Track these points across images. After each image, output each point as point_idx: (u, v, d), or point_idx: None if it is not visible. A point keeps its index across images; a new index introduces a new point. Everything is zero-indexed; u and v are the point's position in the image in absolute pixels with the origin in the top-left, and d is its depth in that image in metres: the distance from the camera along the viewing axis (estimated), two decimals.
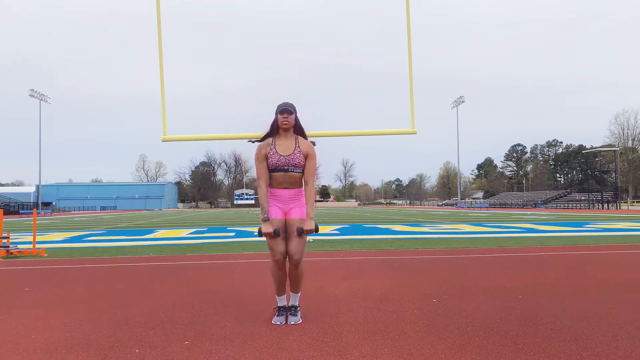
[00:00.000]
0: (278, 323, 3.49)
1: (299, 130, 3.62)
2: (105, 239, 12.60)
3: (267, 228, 3.41)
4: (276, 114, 3.54)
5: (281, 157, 3.47)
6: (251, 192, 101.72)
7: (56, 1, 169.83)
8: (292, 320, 3.52)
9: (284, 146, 3.51)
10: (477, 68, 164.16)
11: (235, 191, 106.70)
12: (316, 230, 3.48)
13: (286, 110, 3.50)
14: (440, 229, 14.95)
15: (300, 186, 3.58)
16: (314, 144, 3.67)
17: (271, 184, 3.55)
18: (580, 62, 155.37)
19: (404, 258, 7.35)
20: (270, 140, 3.56)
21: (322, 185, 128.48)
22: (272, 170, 3.51)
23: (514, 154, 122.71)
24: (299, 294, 3.67)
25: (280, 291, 3.60)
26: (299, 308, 3.63)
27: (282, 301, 3.61)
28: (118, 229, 17.60)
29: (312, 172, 3.58)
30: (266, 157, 3.51)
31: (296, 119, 3.58)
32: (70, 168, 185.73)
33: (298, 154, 3.50)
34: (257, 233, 3.52)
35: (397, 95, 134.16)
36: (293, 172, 3.49)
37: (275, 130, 3.58)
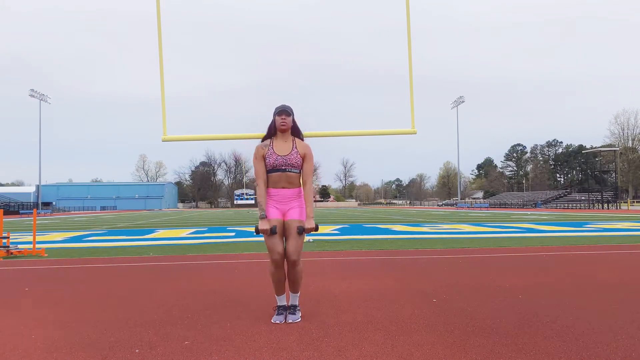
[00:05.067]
0: (277, 322, 3.51)
1: (296, 132, 3.69)
2: (105, 239, 12.60)
3: (264, 225, 3.45)
4: (274, 116, 3.62)
5: (278, 157, 3.53)
6: (251, 192, 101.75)
7: (56, 0, 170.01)
8: (291, 318, 3.54)
9: (282, 147, 3.58)
10: (477, 68, 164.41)
11: (235, 191, 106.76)
12: (316, 229, 3.52)
13: (284, 112, 3.58)
14: (440, 229, 14.95)
15: (299, 186, 3.62)
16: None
17: (269, 185, 3.60)
18: (580, 62, 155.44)
19: (404, 258, 7.36)
20: (268, 141, 3.64)
21: (322, 185, 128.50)
22: (269, 170, 3.57)
23: (514, 154, 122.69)
24: (298, 294, 3.69)
25: (279, 291, 3.62)
26: (298, 307, 3.66)
27: (281, 301, 3.63)
28: (118, 229, 17.60)
29: (310, 172, 3.66)
30: (264, 158, 3.57)
31: (293, 121, 3.65)
32: (70, 168, 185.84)
33: (295, 155, 3.56)
34: (254, 231, 3.55)
35: (397, 95, 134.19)
36: (290, 172, 3.55)
37: (273, 132, 3.65)
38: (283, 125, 3.56)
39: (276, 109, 3.61)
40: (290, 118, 3.60)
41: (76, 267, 6.94)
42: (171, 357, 2.75)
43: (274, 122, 3.62)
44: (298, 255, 3.53)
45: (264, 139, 3.69)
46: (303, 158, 3.60)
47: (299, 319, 3.55)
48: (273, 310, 3.69)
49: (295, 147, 3.59)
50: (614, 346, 2.85)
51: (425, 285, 4.88)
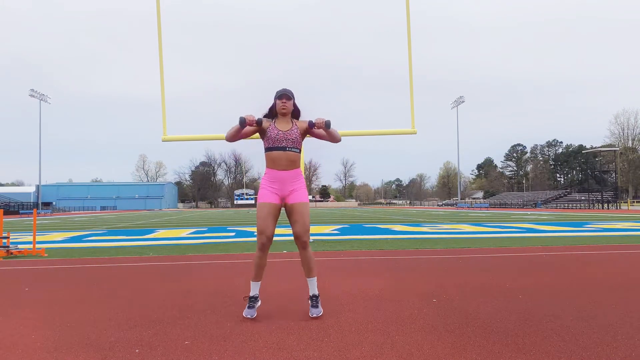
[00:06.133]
0: (249, 317, 3.51)
1: (296, 114, 3.80)
2: (105, 239, 12.59)
3: (248, 115, 3.54)
4: (275, 99, 3.70)
5: (279, 132, 3.61)
6: (251, 192, 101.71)
7: (56, 0, 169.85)
8: (315, 312, 3.56)
9: (282, 125, 3.68)
10: (477, 68, 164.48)
11: (235, 191, 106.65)
12: (327, 125, 3.58)
13: (285, 95, 3.66)
14: (440, 229, 14.94)
15: (299, 167, 3.70)
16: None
17: (268, 165, 3.66)
18: (580, 62, 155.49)
19: (404, 258, 7.35)
20: (270, 120, 3.74)
21: (322, 186, 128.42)
22: (269, 148, 3.63)
23: (514, 154, 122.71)
24: (315, 279, 3.68)
25: (258, 276, 3.61)
26: (319, 298, 3.66)
27: (255, 289, 3.62)
28: (118, 229, 17.59)
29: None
30: (264, 128, 3.65)
31: (294, 105, 3.75)
32: (70, 168, 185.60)
33: (295, 130, 3.66)
34: (240, 122, 3.52)
35: (397, 96, 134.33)
36: (290, 150, 3.61)
37: (274, 115, 3.74)
38: (284, 109, 3.66)
39: (277, 92, 3.69)
40: (291, 102, 3.69)
41: (76, 267, 6.93)
42: (171, 357, 2.75)
43: (274, 105, 3.71)
44: (308, 236, 3.59)
45: (264, 117, 3.78)
46: (304, 129, 3.71)
47: (321, 312, 3.58)
48: (244, 300, 3.68)
49: (295, 124, 3.70)
50: (614, 346, 2.85)
51: (425, 285, 4.88)
